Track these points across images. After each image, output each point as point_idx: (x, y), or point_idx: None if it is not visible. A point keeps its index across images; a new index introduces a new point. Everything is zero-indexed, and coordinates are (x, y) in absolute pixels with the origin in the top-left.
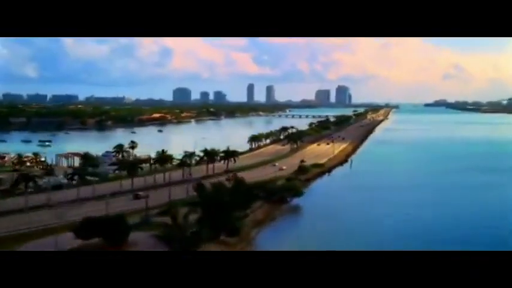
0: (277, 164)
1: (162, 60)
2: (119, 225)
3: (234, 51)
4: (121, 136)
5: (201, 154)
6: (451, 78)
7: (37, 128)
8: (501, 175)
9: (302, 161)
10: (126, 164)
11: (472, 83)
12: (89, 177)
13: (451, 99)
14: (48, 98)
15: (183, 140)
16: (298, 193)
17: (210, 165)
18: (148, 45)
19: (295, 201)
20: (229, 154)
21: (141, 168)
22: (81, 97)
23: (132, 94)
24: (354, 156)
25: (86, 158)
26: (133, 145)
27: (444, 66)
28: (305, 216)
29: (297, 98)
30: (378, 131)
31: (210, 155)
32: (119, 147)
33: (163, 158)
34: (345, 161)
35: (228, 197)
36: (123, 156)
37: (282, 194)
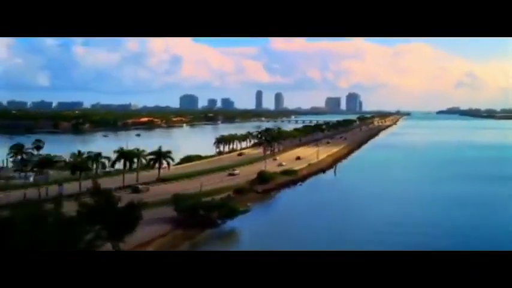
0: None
1: (172, 69)
2: None
3: (245, 59)
4: (91, 140)
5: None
6: (464, 86)
7: (1, 131)
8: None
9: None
10: None
11: (486, 91)
12: None
13: (464, 107)
14: (53, 105)
15: (154, 142)
16: (232, 212)
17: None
18: (158, 54)
19: (234, 224)
20: (162, 156)
21: None
22: (88, 104)
23: (141, 102)
24: (345, 162)
25: None
26: (38, 145)
27: (457, 75)
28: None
29: (307, 106)
30: (382, 135)
31: (128, 158)
32: (17, 148)
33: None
34: (331, 167)
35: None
36: (22, 158)
37: (207, 214)
